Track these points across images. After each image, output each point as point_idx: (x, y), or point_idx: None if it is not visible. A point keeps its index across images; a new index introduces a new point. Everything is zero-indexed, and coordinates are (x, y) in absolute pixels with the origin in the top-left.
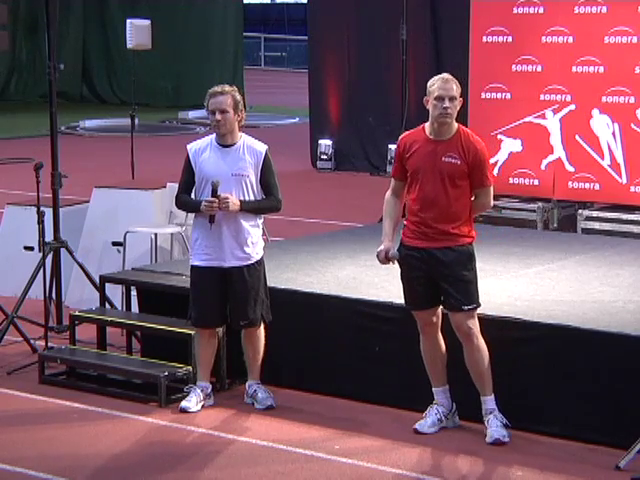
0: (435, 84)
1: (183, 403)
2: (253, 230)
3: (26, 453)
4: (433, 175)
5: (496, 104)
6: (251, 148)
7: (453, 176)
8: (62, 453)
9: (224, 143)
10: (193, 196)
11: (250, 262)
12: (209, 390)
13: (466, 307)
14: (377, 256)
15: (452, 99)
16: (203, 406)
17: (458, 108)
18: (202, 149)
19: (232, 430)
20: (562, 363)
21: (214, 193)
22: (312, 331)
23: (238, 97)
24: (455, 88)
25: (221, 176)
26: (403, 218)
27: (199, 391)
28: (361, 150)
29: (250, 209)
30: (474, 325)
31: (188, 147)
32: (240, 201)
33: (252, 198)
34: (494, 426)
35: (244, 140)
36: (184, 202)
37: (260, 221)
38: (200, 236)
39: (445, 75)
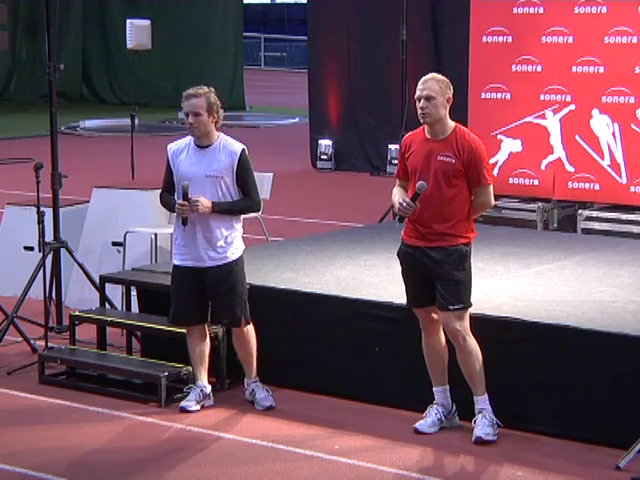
0: (418, 85)
1: (183, 402)
2: (227, 231)
3: (26, 453)
4: (428, 175)
5: (496, 104)
6: (227, 149)
7: (448, 175)
8: (62, 453)
9: (201, 144)
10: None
11: (224, 262)
12: (208, 390)
13: (452, 307)
14: (400, 206)
15: (429, 98)
16: (203, 406)
17: (444, 106)
18: (180, 150)
19: (232, 430)
20: (561, 363)
21: (185, 196)
22: (312, 331)
23: (213, 99)
24: (434, 87)
25: (196, 177)
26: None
27: (199, 391)
28: (361, 150)
29: (222, 210)
30: (461, 326)
31: (168, 147)
32: (212, 203)
33: (228, 199)
34: (480, 425)
35: (221, 140)
36: (165, 201)
37: (238, 223)
38: (177, 237)
39: (428, 75)
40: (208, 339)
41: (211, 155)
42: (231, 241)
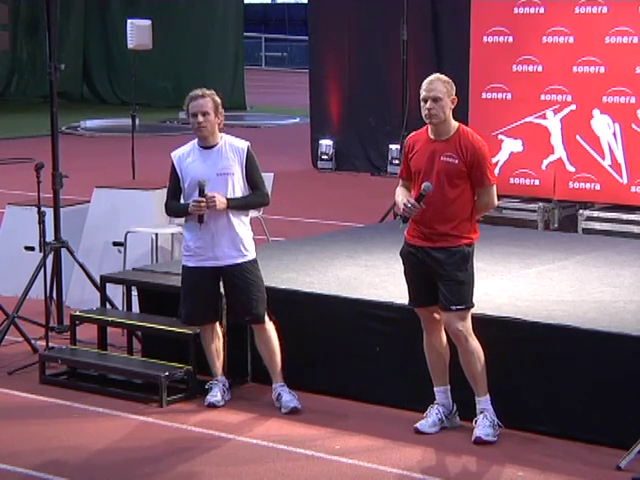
0: (422, 86)
1: (211, 398)
2: (242, 228)
3: (26, 453)
4: (431, 175)
5: (497, 104)
6: (233, 146)
7: (451, 176)
8: (62, 453)
9: (206, 145)
10: (182, 201)
11: (245, 260)
12: (227, 384)
13: (454, 307)
14: (404, 207)
15: (436, 99)
16: (225, 400)
17: (450, 107)
18: (186, 154)
19: (232, 430)
20: (562, 363)
21: (201, 193)
22: (312, 331)
23: (218, 100)
24: (440, 88)
25: (207, 177)
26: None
27: (221, 385)
28: (362, 150)
29: (237, 206)
30: (464, 326)
31: (172, 155)
32: (227, 199)
33: (240, 195)
34: (481, 426)
35: (225, 139)
36: (173, 208)
37: (247, 217)
38: (192, 238)
39: (433, 76)
40: (221, 335)
41: (218, 154)
42: (248, 239)
